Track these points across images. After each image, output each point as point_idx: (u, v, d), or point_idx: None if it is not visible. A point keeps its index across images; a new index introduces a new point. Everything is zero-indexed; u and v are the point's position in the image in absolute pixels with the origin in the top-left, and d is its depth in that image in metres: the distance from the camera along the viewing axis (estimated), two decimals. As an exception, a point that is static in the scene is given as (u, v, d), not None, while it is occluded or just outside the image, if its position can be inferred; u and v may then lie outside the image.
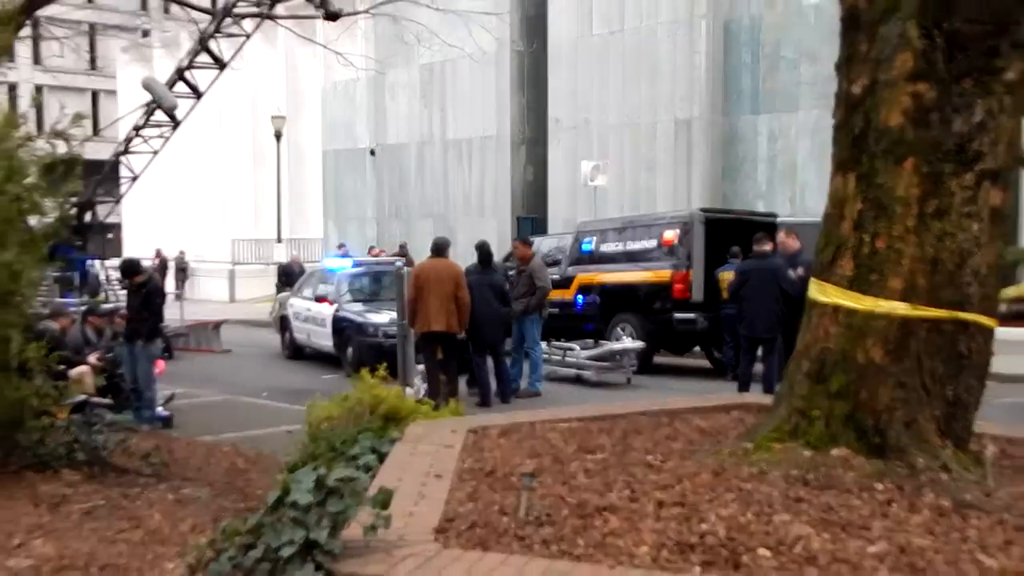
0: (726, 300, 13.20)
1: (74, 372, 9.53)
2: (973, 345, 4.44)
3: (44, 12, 14.22)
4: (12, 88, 46.13)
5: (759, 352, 11.35)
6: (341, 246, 26.84)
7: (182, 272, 31.82)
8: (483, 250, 12.18)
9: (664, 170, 25.19)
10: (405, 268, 11.80)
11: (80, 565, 4.29)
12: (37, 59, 45.44)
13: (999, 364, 5.05)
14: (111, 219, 22.41)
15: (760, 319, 11.01)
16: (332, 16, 16.35)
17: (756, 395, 8.64)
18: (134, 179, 20.35)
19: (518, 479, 4.21)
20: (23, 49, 41.23)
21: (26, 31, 14.69)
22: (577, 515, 3.89)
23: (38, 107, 31.97)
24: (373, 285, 16.49)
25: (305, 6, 17.81)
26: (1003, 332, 5.17)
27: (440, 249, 11.59)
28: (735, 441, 4.93)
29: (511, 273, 13.23)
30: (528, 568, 3.37)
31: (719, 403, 6.53)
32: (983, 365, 4.52)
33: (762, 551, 3.46)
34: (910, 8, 4.28)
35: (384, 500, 3.68)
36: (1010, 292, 17.29)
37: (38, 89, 45.32)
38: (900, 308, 4.34)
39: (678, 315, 14.30)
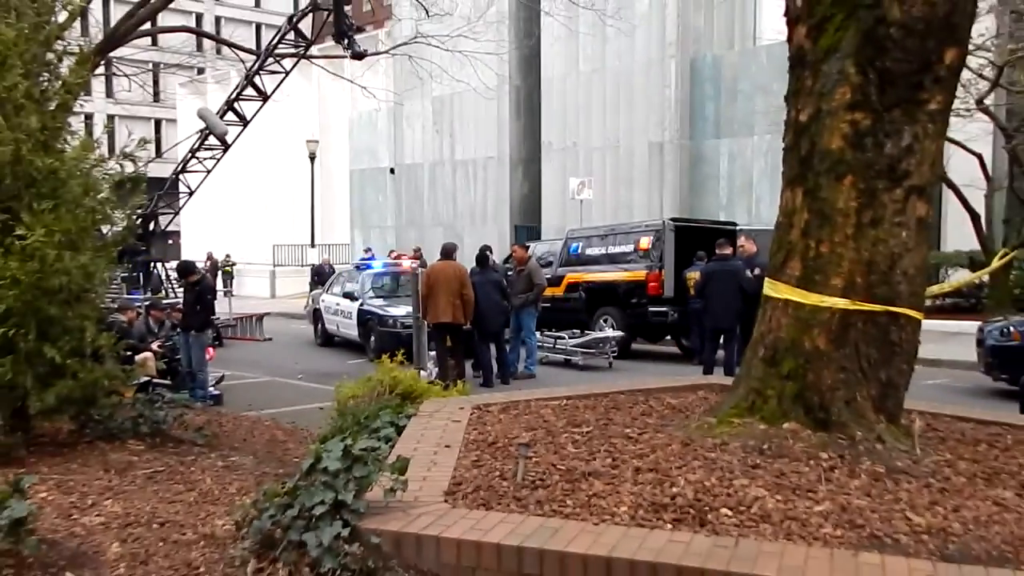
0: (692, 296, 13.20)
1: (139, 357, 9.52)
2: (903, 335, 4.42)
3: (115, 53, 14.20)
4: (88, 117, 46.06)
5: (721, 340, 11.35)
6: (368, 250, 26.81)
7: (228, 272, 31.77)
8: (480, 254, 12.26)
9: (640, 186, 25.22)
10: (420, 269, 11.81)
11: (143, 521, 4.28)
12: (109, 92, 45.41)
13: (925, 350, 5.06)
14: (171, 227, 22.35)
15: (722, 312, 11.01)
16: (358, 56, 16.40)
17: (718, 377, 8.62)
18: (190, 194, 20.33)
19: (516, 449, 4.19)
20: (98, 84, 41.26)
21: (100, 69, 14.67)
22: (566, 480, 3.88)
23: (110, 133, 31.78)
24: (392, 283, 16.48)
25: (335, 47, 17.80)
26: (928, 323, 5.16)
27: (448, 253, 11.65)
28: (701, 416, 4.92)
29: (510, 273, 13.24)
30: (524, 525, 3.37)
31: (687, 384, 6.52)
32: (911, 351, 4.51)
33: (724, 510, 3.45)
34: (848, 49, 4.26)
35: (401, 467, 3.67)
36: (934, 289, 17.31)
37: (110, 118, 45.22)
38: (841, 303, 4.32)
39: (652, 309, 14.29)
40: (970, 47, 5.44)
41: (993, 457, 4.31)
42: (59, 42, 6.34)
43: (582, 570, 3.06)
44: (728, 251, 11.50)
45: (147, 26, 13.56)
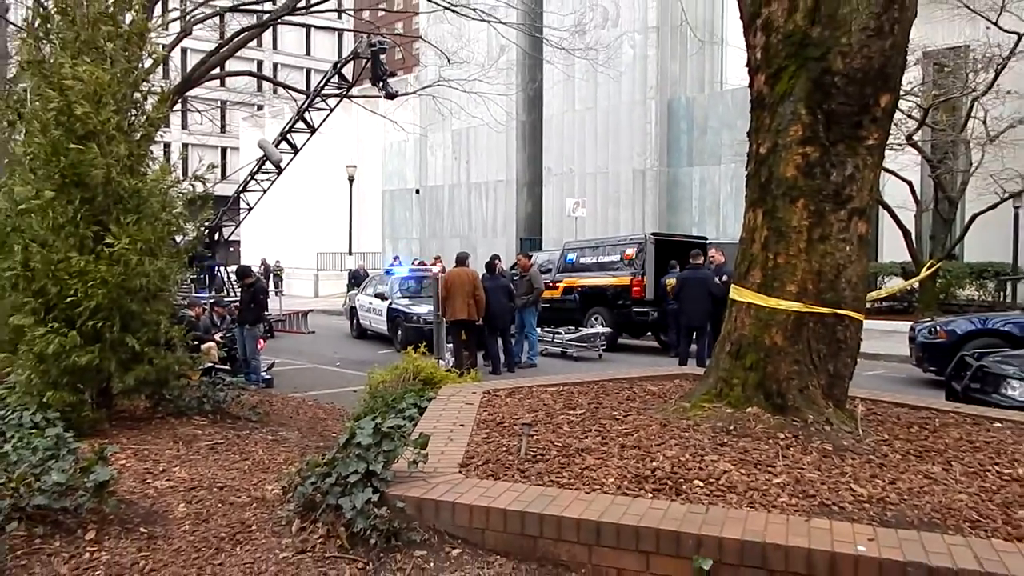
0: (670, 299, 13.14)
1: (204, 347, 9.49)
2: (848, 333, 4.37)
3: (190, 92, 14.26)
4: (166, 146, 46.22)
5: (694, 336, 11.28)
6: (396, 258, 26.82)
7: (278, 275, 31.78)
8: (489, 262, 12.22)
9: (625, 205, 25.18)
10: (440, 274, 11.78)
11: (205, 486, 4.25)
12: (184, 125, 45.58)
13: (866, 346, 5.01)
14: (233, 237, 22.36)
15: (695, 312, 10.94)
16: (391, 96, 16.50)
17: (692, 368, 8.55)
18: (249, 209, 20.33)
19: (520, 428, 4.16)
20: (175, 118, 41.43)
21: (177, 106, 14.73)
22: (562, 455, 3.84)
23: (184, 159, 32.09)
24: (416, 286, 16.45)
25: (372, 89, 17.82)
26: (868, 323, 5.11)
27: (462, 261, 11.62)
28: (677, 401, 4.87)
29: (515, 278, 13.20)
30: (526, 493, 3.33)
31: (665, 373, 6.47)
32: (855, 347, 4.45)
33: (697, 482, 3.41)
34: (800, 94, 4.24)
35: (423, 442, 3.63)
36: (873, 295, 17.23)
37: (184, 146, 45.52)
38: (795, 306, 4.27)
39: (636, 309, 14.24)
40: (901, 92, 5.41)
41: (924, 437, 4.25)
42: (145, 83, 6.35)
43: (575, 532, 3.02)
44: (700, 261, 11.44)
45: (216, 71, 13.57)
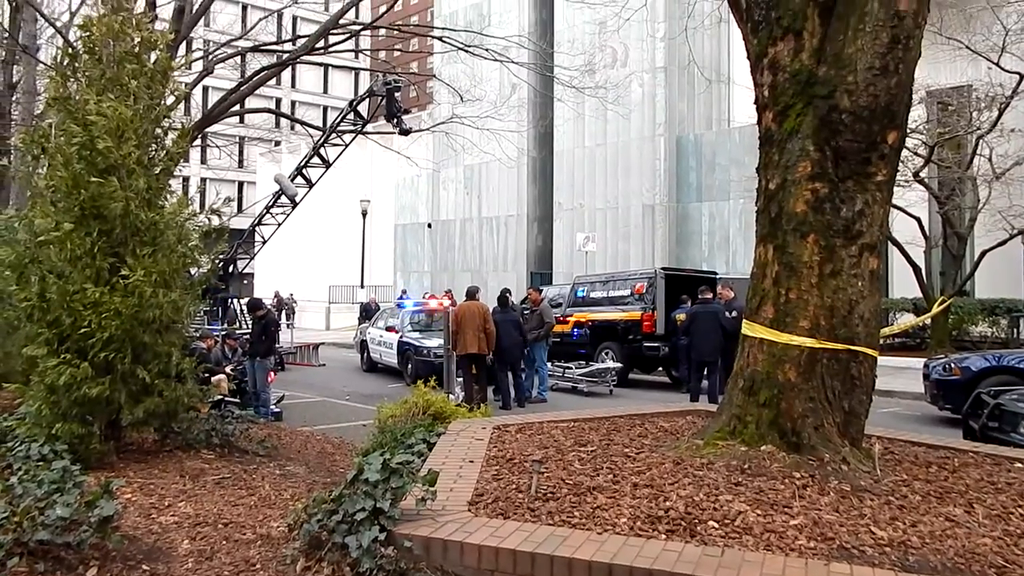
0: (680, 334, 13.03)
1: (214, 379, 9.45)
2: (862, 369, 4.28)
3: (210, 128, 14.47)
4: (185, 180, 46.97)
5: (705, 372, 11.15)
6: (404, 291, 26.87)
7: (290, 308, 31.86)
8: (500, 296, 12.15)
9: (635, 240, 25.17)
10: (450, 307, 11.72)
11: (211, 522, 4.16)
12: (203, 160, 46.27)
13: (880, 383, 4.89)
14: (247, 270, 22.47)
15: (706, 347, 10.83)
16: (405, 132, 16.66)
17: (703, 404, 8.43)
18: (264, 243, 20.47)
19: (530, 465, 4.05)
20: (194, 153, 42.09)
21: (197, 141, 14.94)
22: (573, 493, 3.73)
23: (201, 193, 32.49)
24: (427, 319, 16.41)
25: (386, 125, 18.04)
26: (882, 360, 5.00)
27: (472, 294, 11.55)
28: (690, 439, 4.76)
29: (526, 312, 13.12)
30: (536, 533, 3.22)
31: (677, 410, 6.35)
32: (869, 384, 4.35)
33: (712, 523, 3.29)
34: (807, 131, 4.23)
35: (432, 479, 3.54)
36: (885, 331, 17.02)
37: (202, 180, 46.18)
38: (808, 342, 4.19)
39: (646, 344, 14.11)
40: (907, 130, 5.38)
41: (943, 478, 4.12)
42: (166, 119, 6.43)
43: (587, 575, 2.91)
44: (709, 296, 11.38)
45: (236, 108, 13.78)
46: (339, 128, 17.91)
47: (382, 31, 21.05)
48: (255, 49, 13.86)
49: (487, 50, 12.76)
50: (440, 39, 14.88)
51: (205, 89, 41.13)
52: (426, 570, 3.17)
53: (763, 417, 4.25)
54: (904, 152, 11.75)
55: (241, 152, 44.78)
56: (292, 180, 18.84)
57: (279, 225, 19.72)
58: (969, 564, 2.94)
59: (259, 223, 19.88)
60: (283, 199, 19.06)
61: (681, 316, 12.86)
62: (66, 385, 5.29)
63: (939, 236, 17.75)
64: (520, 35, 18.67)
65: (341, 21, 13.30)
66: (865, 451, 4.25)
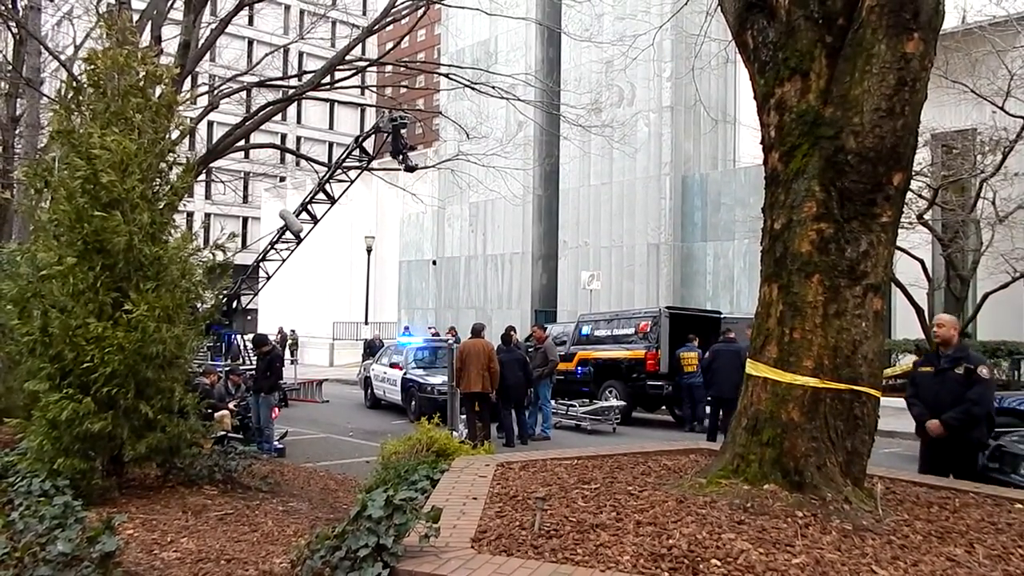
0: (685, 372, 13.07)
1: (217, 415, 9.45)
2: (865, 409, 4.31)
3: (215, 164, 14.71)
4: (189, 215, 47.46)
5: (721, 411, 11.12)
6: (406, 328, 26.92)
7: (294, 344, 31.88)
8: (505, 334, 12.19)
9: (640, 279, 25.26)
10: (454, 344, 11.78)
11: (213, 558, 4.17)
12: (208, 195, 46.70)
13: (882, 423, 4.92)
14: (251, 306, 22.58)
15: (726, 385, 10.79)
16: (410, 169, 16.87)
17: (703, 441, 8.40)
18: (268, 278, 20.59)
19: (533, 502, 4.08)
20: (199, 188, 42.60)
21: (202, 176, 15.16)
22: (577, 530, 3.75)
23: (206, 228, 32.78)
24: (431, 356, 16.43)
25: (392, 162, 18.29)
26: (885, 400, 5.04)
27: (477, 332, 11.60)
28: (693, 477, 4.78)
29: (531, 350, 13.16)
30: (540, 570, 3.25)
31: (680, 448, 6.36)
32: (872, 424, 4.38)
33: (714, 561, 3.31)
34: (813, 172, 4.31)
35: (435, 516, 3.58)
36: (888, 371, 16.96)
37: (206, 215, 46.64)
38: (811, 381, 4.23)
39: (650, 382, 14.12)
40: (913, 172, 5.48)
41: (944, 518, 4.13)
42: (171, 154, 6.51)
43: (589, 612, 2.93)
44: (732, 335, 11.54)
45: (241, 143, 14.03)
46: (344, 164, 18.15)
47: (388, 67, 21.50)
48: (261, 84, 14.15)
49: (494, 87, 13.02)
50: (447, 76, 15.19)
51: (210, 124, 41.78)
52: (429, 607, 3.19)
53: (766, 456, 4.28)
54: (908, 194, 11.90)
55: (246, 187, 45.34)
56: (297, 216, 19.05)
57: (283, 261, 19.89)
58: (973, 606, 2.96)
59: (263, 259, 20.05)
60: (288, 235, 19.25)
61: (688, 354, 12.90)
62: (68, 420, 5.31)
63: (942, 278, 17.83)
64: (527, 73, 19.07)
65: (347, 57, 13.60)
66: (867, 491, 4.27)
